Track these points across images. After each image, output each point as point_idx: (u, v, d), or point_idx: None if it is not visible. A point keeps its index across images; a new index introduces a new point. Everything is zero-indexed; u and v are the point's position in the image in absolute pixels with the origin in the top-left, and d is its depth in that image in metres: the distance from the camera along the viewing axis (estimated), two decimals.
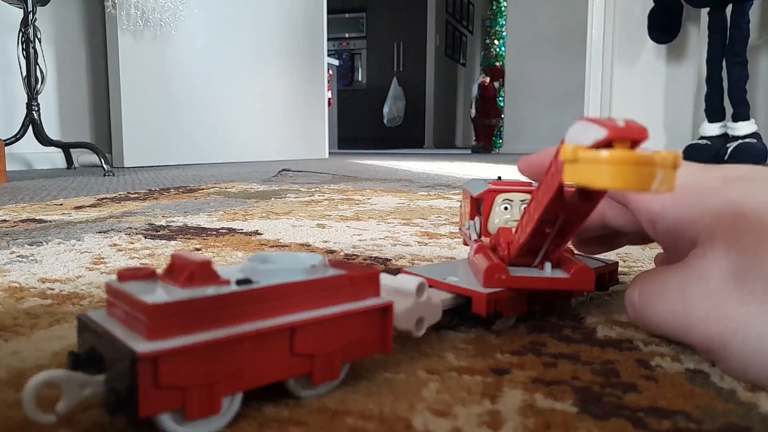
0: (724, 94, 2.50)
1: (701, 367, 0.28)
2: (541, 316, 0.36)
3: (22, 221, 0.79)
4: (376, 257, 0.56)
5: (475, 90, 5.98)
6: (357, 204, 1.03)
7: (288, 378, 0.23)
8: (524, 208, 0.34)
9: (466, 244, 0.42)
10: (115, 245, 0.61)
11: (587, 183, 0.20)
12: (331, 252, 0.59)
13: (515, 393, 0.25)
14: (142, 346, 0.19)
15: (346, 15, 6.05)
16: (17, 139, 1.98)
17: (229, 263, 0.54)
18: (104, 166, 1.92)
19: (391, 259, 0.55)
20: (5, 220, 0.80)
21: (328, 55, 4.25)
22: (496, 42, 7.58)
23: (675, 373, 0.28)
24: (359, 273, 0.25)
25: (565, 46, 5.07)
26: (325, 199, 1.11)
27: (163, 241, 0.64)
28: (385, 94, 6.38)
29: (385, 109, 6.37)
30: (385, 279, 0.29)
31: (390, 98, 6.39)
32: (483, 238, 0.39)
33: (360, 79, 6.25)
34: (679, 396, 0.25)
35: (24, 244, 0.61)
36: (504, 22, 6.75)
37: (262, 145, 3.30)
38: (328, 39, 4.37)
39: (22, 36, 1.96)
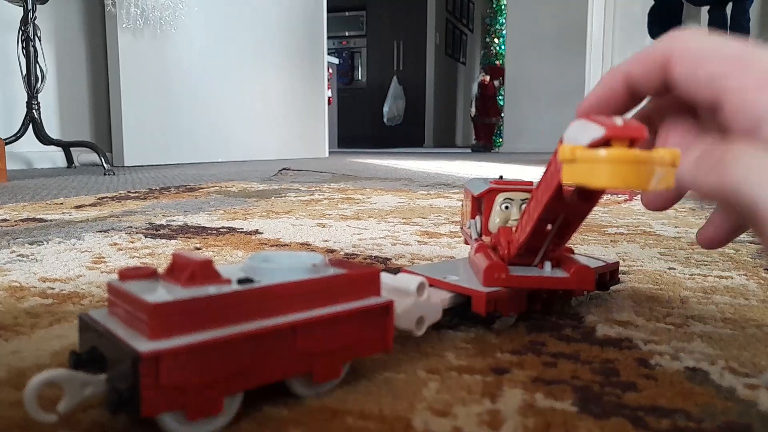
0: None
1: (700, 365, 0.28)
2: (541, 316, 0.36)
3: (23, 220, 0.79)
4: (376, 256, 0.56)
5: (475, 89, 5.98)
6: (357, 203, 1.03)
7: (289, 377, 0.23)
8: (524, 208, 0.34)
9: (467, 243, 0.42)
10: (115, 244, 0.61)
11: (585, 183, 0.20)
12: (332, 251, 0.59)
13: (515, 392, 0.25)
14: (144, 345, 0.19)
15: (346, 13, 6.03)
16: (17, 138, 1.97)
17: (230, 262, 0.54)
18: (104, 165, 1.92)
19: (391, 259, 0.55)
20: (5, 220, 0.80)
21: (328, 54, 4.24)
22: (496, 40, 7.57)
23: (674, 371, 0.28)
24: (360, 272, 0.25)
25: (565, 45, 5.07)
26: (325, 198, 1.11)
27: (164, 241, 0.64)
28: (385, 93, 6.37)
29: (385, 108, 6.36)
30: (385, 278, 0.29)
31: (390, 97, 6.38)
32: (484, 237, 0.39)
33: (360, 77, 6.23)
34: (679, 394, 0.25)
35: (24, 243, 0.61)
36: (504, 21, 6.73)
37: (262, 144, 3.30)
38: (328, 37, 4.36)
39: (22, 34, 1.96)
